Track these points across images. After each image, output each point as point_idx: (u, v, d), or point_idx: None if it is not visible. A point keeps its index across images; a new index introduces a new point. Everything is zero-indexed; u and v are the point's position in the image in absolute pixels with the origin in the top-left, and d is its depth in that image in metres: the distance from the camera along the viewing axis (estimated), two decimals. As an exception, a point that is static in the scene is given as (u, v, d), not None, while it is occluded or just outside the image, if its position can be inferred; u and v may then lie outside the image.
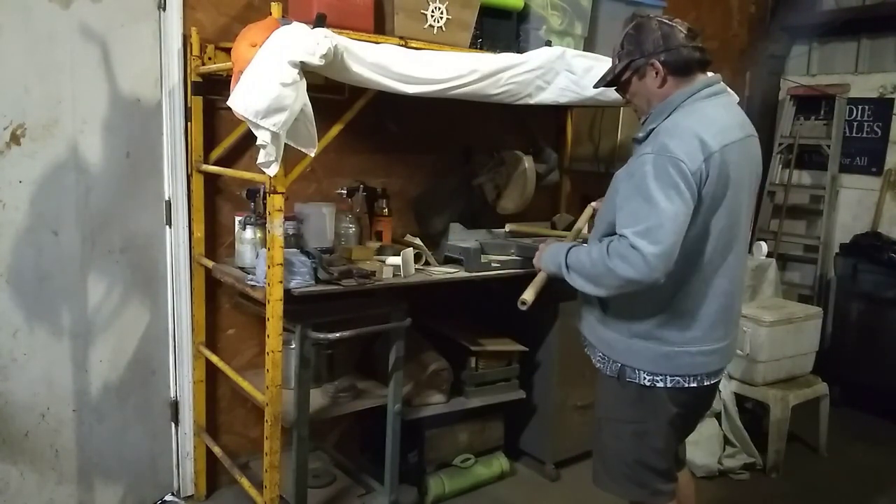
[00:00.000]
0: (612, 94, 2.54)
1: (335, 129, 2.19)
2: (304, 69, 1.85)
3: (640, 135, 1.80)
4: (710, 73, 1.84)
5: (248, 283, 2.25)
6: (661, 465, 1.87)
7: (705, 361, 1.80)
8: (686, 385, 1.79)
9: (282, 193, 2.02)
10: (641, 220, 1.63)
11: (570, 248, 1.86)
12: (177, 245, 2.59)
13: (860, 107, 4.40)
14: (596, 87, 2.03)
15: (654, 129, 1.75)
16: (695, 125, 1.69)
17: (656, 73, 1.78)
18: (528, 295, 1.98)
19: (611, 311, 1.86)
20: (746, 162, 1.77)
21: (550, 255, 1.93)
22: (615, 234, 1.71)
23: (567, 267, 1.82)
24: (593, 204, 2.32)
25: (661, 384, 1.79)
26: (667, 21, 1.78)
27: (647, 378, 1.79)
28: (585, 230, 2.32)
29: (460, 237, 2.74)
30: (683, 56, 1.75)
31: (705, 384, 1.82)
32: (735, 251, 1.79)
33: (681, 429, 1.94)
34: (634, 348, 1.80)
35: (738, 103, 2.70)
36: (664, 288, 1.71)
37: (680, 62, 1.75)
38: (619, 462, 1.91)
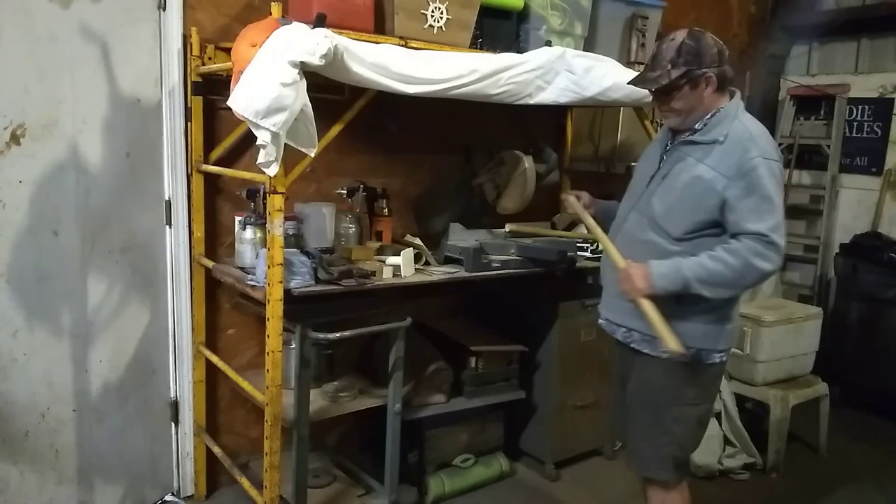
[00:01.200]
0: (612, 94, 2.56)
1: (335, 129, 2.19)
2: (304, 69, 1.85)
3: (706, 137, 1.93)
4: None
5: (248, 283, 2.25)
6: (697, 443, 2.10)
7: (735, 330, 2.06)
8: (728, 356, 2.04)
9: (282, 193, 2.02)
10: (768, 217, 1.83)
11: (682, 263, 1.88)
12: (177, 245, 2.59)
13: (860, 107, 4.40)
14: (647, 87, 2.05)
15: (727, 133, 1.91)
16: (766, 132, 1.94)
17: (707, 85, 1.93)
18: (673, 343, 1.84)
19: (686, 302, 1.92)
20: None
21: (661, 276, 1.88)
22: (700, 231, 1.89)
23: (697, 281, 1.85)
24: (570, 198, 2.42)
25: (724, 358, 2.01)
26: (718, 39, 1.95)
27: (718, 356, 1.98)
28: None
29: (460, 237, 2.74)
30: (728, 74, 1.95)
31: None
32: None
33: None
34: (710, 332, 1.96)
35: None
36: None
37: (725, 78, 1.95)
38: (675, 446, 2.04)
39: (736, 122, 1.93)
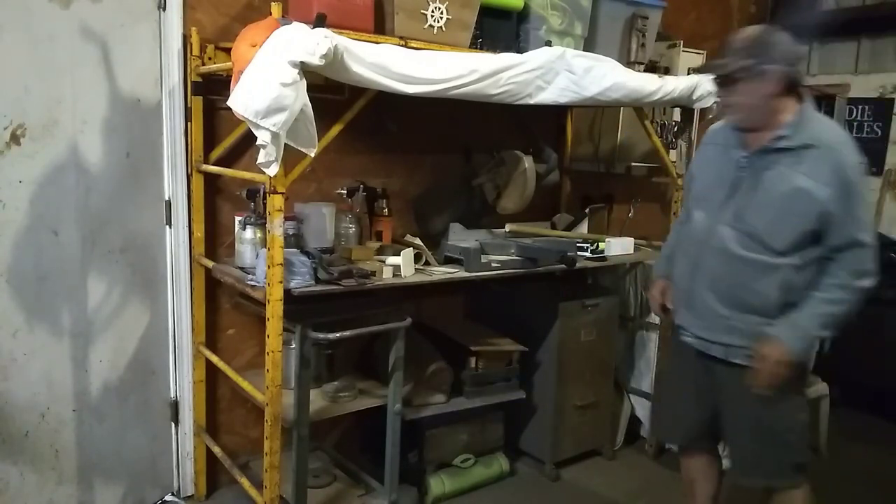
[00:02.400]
0: (611, 94, 2.56)
1: (335, 129, 2.19)
2: (304, 69, 1.86)
3: (793, 143, 1.88)
4: None
5: (248, 283, 2.25)
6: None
7: None
8: None
9: (282, 193, 2.02)
10: (867, 226, 1.90)
11: (803, 322, 1.88)
12: (177, 245, 2.59)
13: (860, 107, 4.41)
14: (710, 71, 2.08)
15: (818, 138, 1.86)
16: (848, 134, 1.92)
17: (774, 83, 1.86)
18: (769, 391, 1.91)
19: (781, 311, 1.93)
20: None
21: (793, 341, 1.87)
22: (804, 242, 1.87)
23: (822, 329, 1.90)
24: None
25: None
26: (797, 42, 1.89)
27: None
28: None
29: (460, 237, 2.74)
30: (799, 76, 1.91)
31: None
32: None
33: None
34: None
35: None
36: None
37: (795, 81, 1.89)
38: (797, 453, 2.02)
39: (823, 125, 1.90)
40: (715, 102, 2.11)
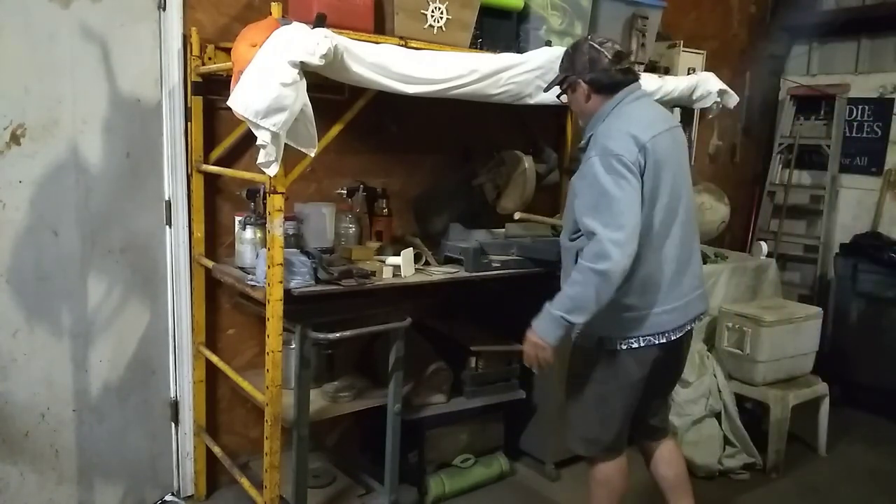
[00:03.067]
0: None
1: (335, 129, 2.19)
2: (304, 69, 1.86)
3: (582, 143, 2.10)
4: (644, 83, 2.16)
5: (248, 283, 2.25)
6: (618, 428, 2.14)
7: (669, 319, 2.06)
8: (656, 342, 2.05)
9: (282, 193, 2.02)
10: (603, 212, 1.89)
11: (547, 305, 2.02)
12: (177, 245, 2.59)
13: (860, 107, 4.41)
14: (545, 90, 2.29)
15: (591, 135, 2.04)
16: (625, 125, 1.98)
17: (583, 91, 2.07)
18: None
19: None
20: (674, 146, 2.06)
21: (543, 327, 2.02)
22: (579, 231, 1.99)
23: (565, 315, 1.96)
24: None
25: (634, 345, 2.04)
26: (596, 46, 2.04)
27: (623, 343, 2.05)
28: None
29: (460, 237, 2.74)
30: (605, 80, 2.03)
31: (672, 339, 2.09)
32: (678, 221, 2.05)
33: (649, 387, 2.15)
34: (610, 319, 2.02)
35: (738, 103, 2.82)
36: None
37: (602, 84, 2.04)
38: (581, 421, 2.18)
39: (602, 122, 2.03)
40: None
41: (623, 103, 2.04)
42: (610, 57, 2.02)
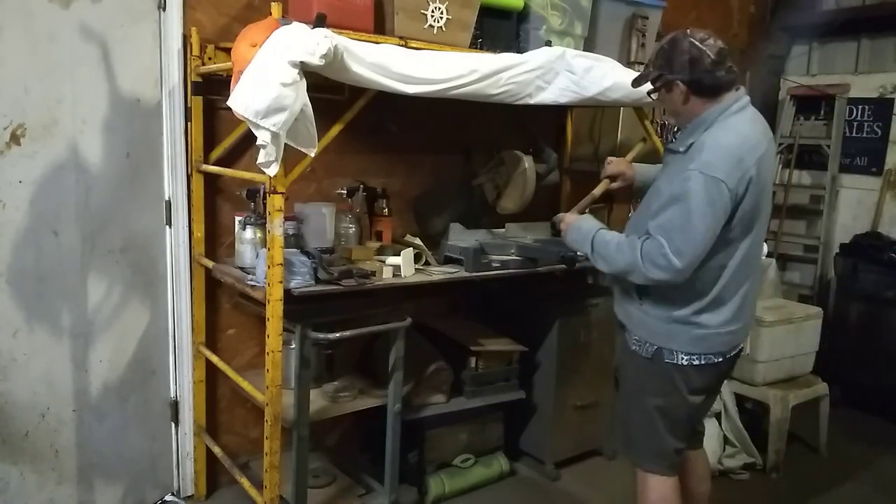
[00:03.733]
0: (611, 94, 2.56)
1: (335, 129, 2.19)
2: (304, 69, 1.85)
3: (681, 148, 1.94)
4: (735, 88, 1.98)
5: (248, 283, 2.25)
6: (676, 440, 2.08)
7: (731, 339, 2.02)
8: (715, 361, 2.00)
9: (282, 193, 2.02)
10: (676, 234, 1.83)
11: (598, 231, 2.04)
12: (177, 245, 2.59)
13: (860, 107, 4.40)
14: (634, 85, 2.13)
15: (692, 143, 1.90)
16: (733, 143, 1.86)
17: (680, 91, 1.92)
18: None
19: (650, 299, 2.01)
20: (769, 167, 1.97)
21: (578, 233, 2.09)
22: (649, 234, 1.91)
23: (593, 250, 2.02)
24: (608, 176, 2.41)
25: (696, 362, 1.98)
26: (698, 44, 1.87)
27: (685, 358, 1.98)
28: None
29: (460, 237, 2.74)
30: (707, 82, 1.89)
31: (728, 356, 2.04)
32: (758, 243, 2.02)
33: (702, 405, 2.14)
34: (674, 332, 1.98)
35: None
36: (702, 282, 1.93)
37: (704, 86, 1.90)
38: (641, 433, 2.10)
39: (709, 130, 1.90)
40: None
41: (729, 112, 1.90)
42: (713, 57, 1.86)
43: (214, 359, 2.61)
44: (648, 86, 2.03)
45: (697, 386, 2.02)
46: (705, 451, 2.37)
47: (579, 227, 2.10)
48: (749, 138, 1.88)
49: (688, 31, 1.93)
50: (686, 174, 1.83)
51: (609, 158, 2.44)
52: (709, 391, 2.12)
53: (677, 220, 1.83)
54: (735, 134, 1.87)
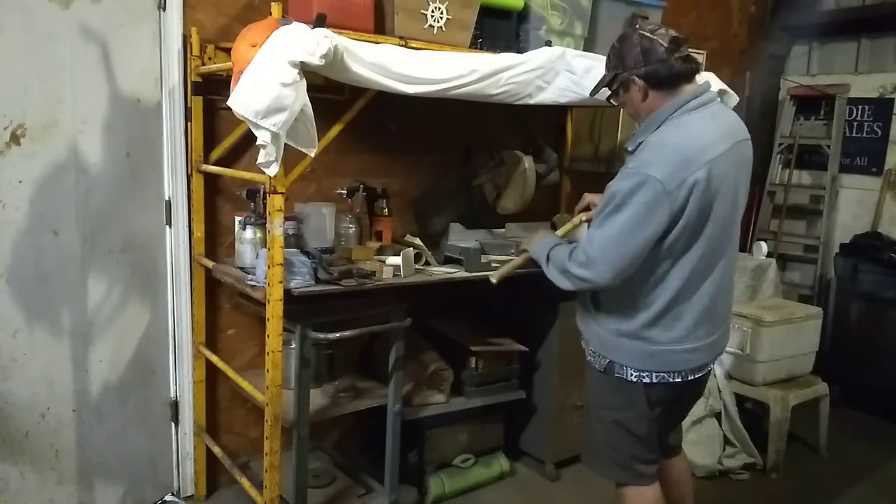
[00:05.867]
0: (611, 94, 2.56)
1: (335, 129, 2.19)
2: (304, 69, 1.85)
3: (630, 147, 1.87)
4: (700, 80, 1.87)
5: (248, 283, 2.25)
6: (641, 451, 1.97)
7: (689, 358, 1.88)
8: (671, 380, 1.89)
9: (282, 193, 2.02)
10: (600, 231, 1.77)
11: (556, 244, 2.00)
12: (177, 245, 2.59)
13: (860, 107, 4.40)
14: (591, 95, 2.09)
15: (642, 142, 1.82)
16: (681, 143, 1.74)
17: (638, 88, 1.83)
18: (495, 276, 2.21)
19: (602, 310, 1.96)
20: (735, 169, 1.82)
21: (541, 243, 2.05)
22: None
23: (548, 259, 1.98)
24: (583, 215, 2.27)
25: (647, 380, 1.88)
26: (648, 34, 1.79)
27: (634, 374, 1.89)
28: (579, 232, 2.31)
29: (460, 237, 2.74)
30: (664, 72, 1.78)
31: (689, 378, 1.91)
32: (726, 255, 1.87)
33: (664, 419, 2.02)
34: (623, 346, 1.89)
35: (738, 103, 2.71)
36: (645, 293, 1.84)
37: (661, 77, 1.79)
38: (602, 445, 2.03)
39: (657, 129, 1.80)
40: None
41: (684, 110, 1.79)
42: (665, 45, 1.75)
43: (214, 359, 2.61)
44: (607, 92, 1.94)
45: (655, 401, 1.92)
46: (684, 453, 2.28)
47: (543, 240, 2.07)
48: (702, 138, 1.75)
49: (637, 25, 1.88)
50: (623, 172, 1.76)
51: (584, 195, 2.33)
52: (672, 405, 2.00)
53: (604, 217, 1.76)
54: (685, 133, 1.76)
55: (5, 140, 2.13)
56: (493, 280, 2.20)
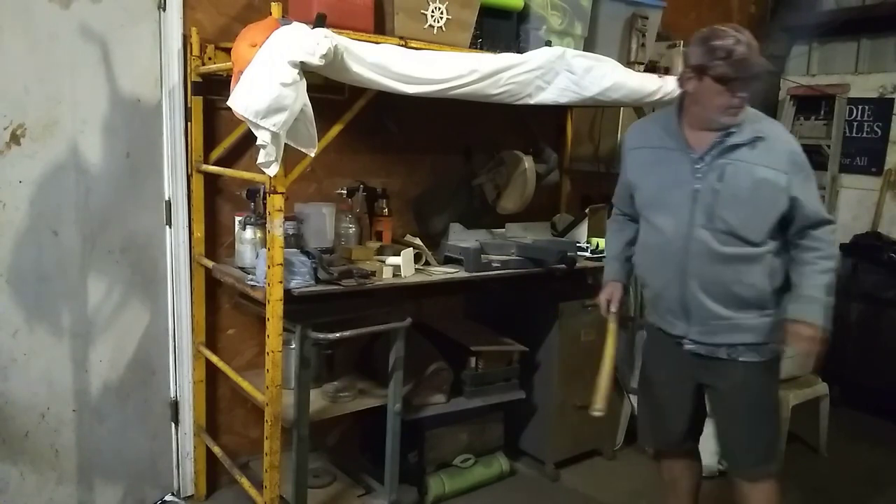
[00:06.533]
0: (611, 94, 2.56)
1: (335, 129, 2.19)
2: (304, 69, 1.85)
3: (746, 137, 1.92)
4: None
5: (248, 283, 2.25)
6: None
7: None
8: None
9: (282, 193, 2.02)
10: (818, 201, 1.95)
11: (816, 297, 1.97)
12: (177, 245, 2.59)
13: (860, 107, 4.40)
14: (752, 72, 2.00)
15: (761, 129, 1.92)
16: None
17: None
18: (600, 406, 2.14)
19: (778, 290, 2.01)
20: None
21: (818, 316, 1.98)
22: (777, 228, 1.93)
23: (829, 297, 1.99)
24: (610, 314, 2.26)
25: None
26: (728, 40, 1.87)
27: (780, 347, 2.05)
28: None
29: (460, 237, 2.75)
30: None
31: None
32: None
33: None
34: (775, 325, 2.01)
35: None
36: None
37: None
38: (777, 438, 2.18)
39: (761, 117, 1.96)
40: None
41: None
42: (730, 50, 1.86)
43: (214, 359, 2.61)
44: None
45: None
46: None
47: (811, 315, 1.97)
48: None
49: (722, 27, 1.92)
50: (799, 156, 1.92)
51: (596, 301, 2.32)
52: None
53: (816, 194, 1.96)
54: (772, 120, 2.05)
55: (5, 140, 2.14)
56: (600, 412, 2.12)
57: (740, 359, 2.01)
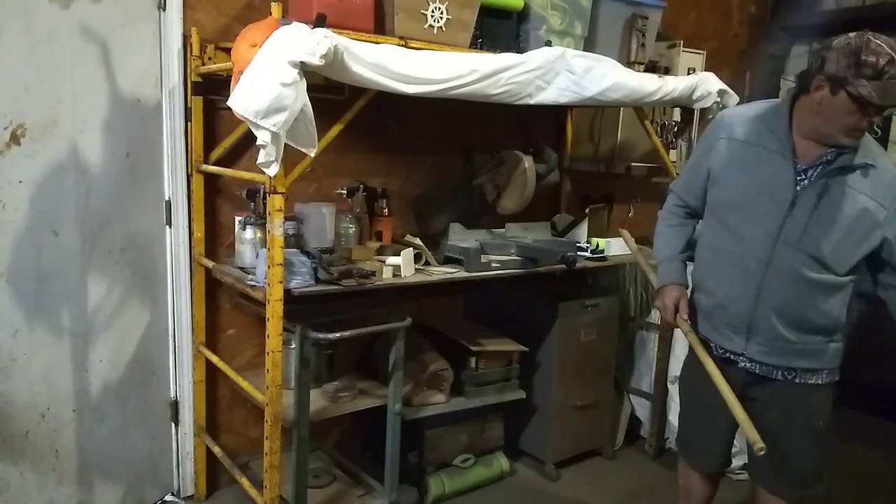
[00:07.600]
0: (611, 94, 2.56)
1: (335, 129, 2.20)
2: (304, 69, 1.86)
3: (859, 161, 1.77)
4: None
5: (248, 283, 2.25)
6: None
7: None
8: None
9: (282, 193, 2.02)
10: None
11: None
12: (177, 245, 2.59)
13: (860, 107, 4.39)
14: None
15: (874, 156, 1.78)
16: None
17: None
18: (756, 435, 1.88)
19: (841, 326, 1.94)
20: None
21: None
22: (856, 267, 1.83)
23: None
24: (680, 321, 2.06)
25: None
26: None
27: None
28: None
29: (460, 237, 2.75)
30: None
31: None
32: None
33: None
34: (839, 350, 1.96)
35: (738, 103, 2.74)
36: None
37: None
38: (822, 460, 2.12)
39: (873, 143, 1.79)
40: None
41: None
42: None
43: (214, 359, 2.61)
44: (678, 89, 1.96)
45: None
46: None
47: None
48: None
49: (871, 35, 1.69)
50: (894, 190, 1.77)
51: (659, 305, 2.10)
52: None
53: None
54: (880, 147, 1.86)
55: (5, 140, 2.13)
56: (763, 447, 1.86)
57: (797, 380, 1.93)
